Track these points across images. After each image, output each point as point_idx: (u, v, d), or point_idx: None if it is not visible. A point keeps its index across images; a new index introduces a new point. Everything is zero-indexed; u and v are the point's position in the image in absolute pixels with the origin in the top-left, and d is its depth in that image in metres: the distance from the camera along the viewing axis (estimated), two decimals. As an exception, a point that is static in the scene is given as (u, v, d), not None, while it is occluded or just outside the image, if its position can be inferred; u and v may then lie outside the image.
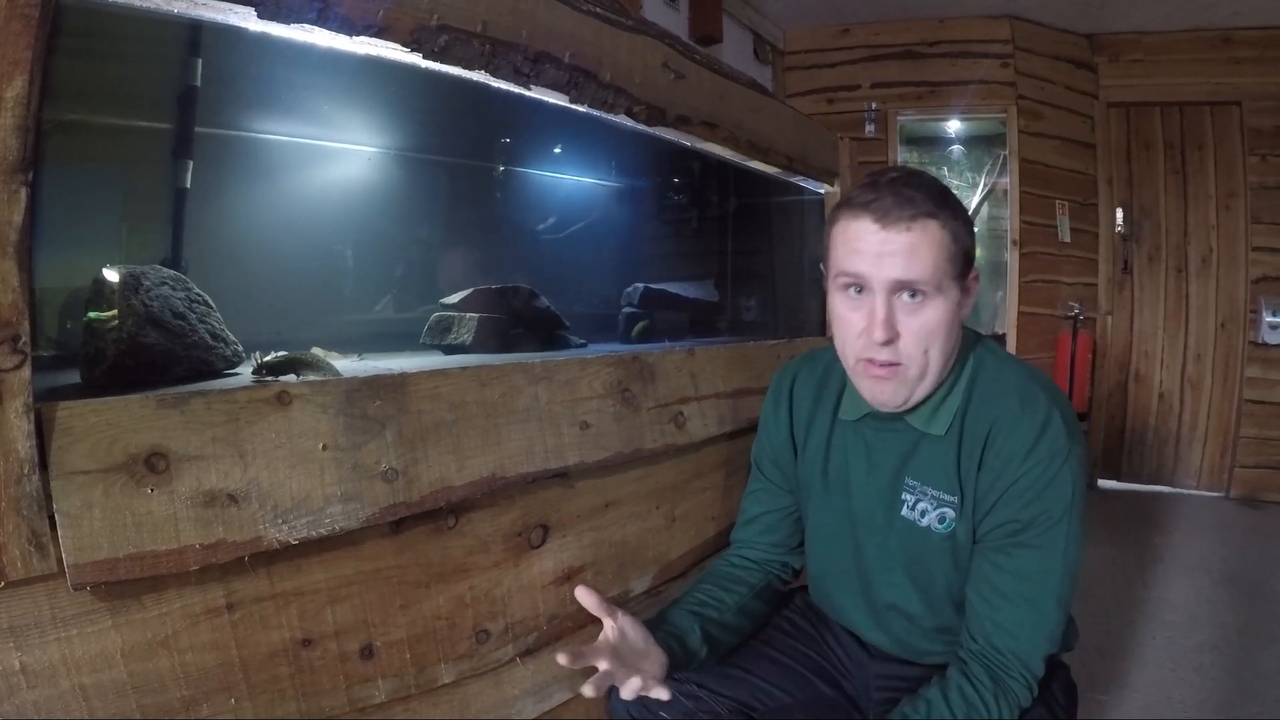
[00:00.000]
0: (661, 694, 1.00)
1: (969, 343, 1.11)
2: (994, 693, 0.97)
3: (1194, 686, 2.10)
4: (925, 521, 1.09)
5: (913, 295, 1.00)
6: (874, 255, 1.00)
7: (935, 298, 1.00)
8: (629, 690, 0.97)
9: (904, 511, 1.11)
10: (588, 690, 0.95)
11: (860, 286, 1.03)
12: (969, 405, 1.07)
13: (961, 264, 1.02)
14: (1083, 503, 1.01)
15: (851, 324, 1.04)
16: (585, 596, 0.99)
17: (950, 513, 1.07)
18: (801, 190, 2.32)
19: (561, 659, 0.92)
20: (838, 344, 1.10)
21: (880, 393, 1.05)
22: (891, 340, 1.01)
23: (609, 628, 0.99)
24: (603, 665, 0.95)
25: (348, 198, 1.71)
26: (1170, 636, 2.42)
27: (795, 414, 1.26)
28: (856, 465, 1.17)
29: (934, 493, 1.08)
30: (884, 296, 1.00)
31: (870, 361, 1.04)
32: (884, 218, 0.99)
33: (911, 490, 1.11)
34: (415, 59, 1.04)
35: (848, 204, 1.05)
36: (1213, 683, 2.12)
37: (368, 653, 0.96)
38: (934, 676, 1.03)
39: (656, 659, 1.03)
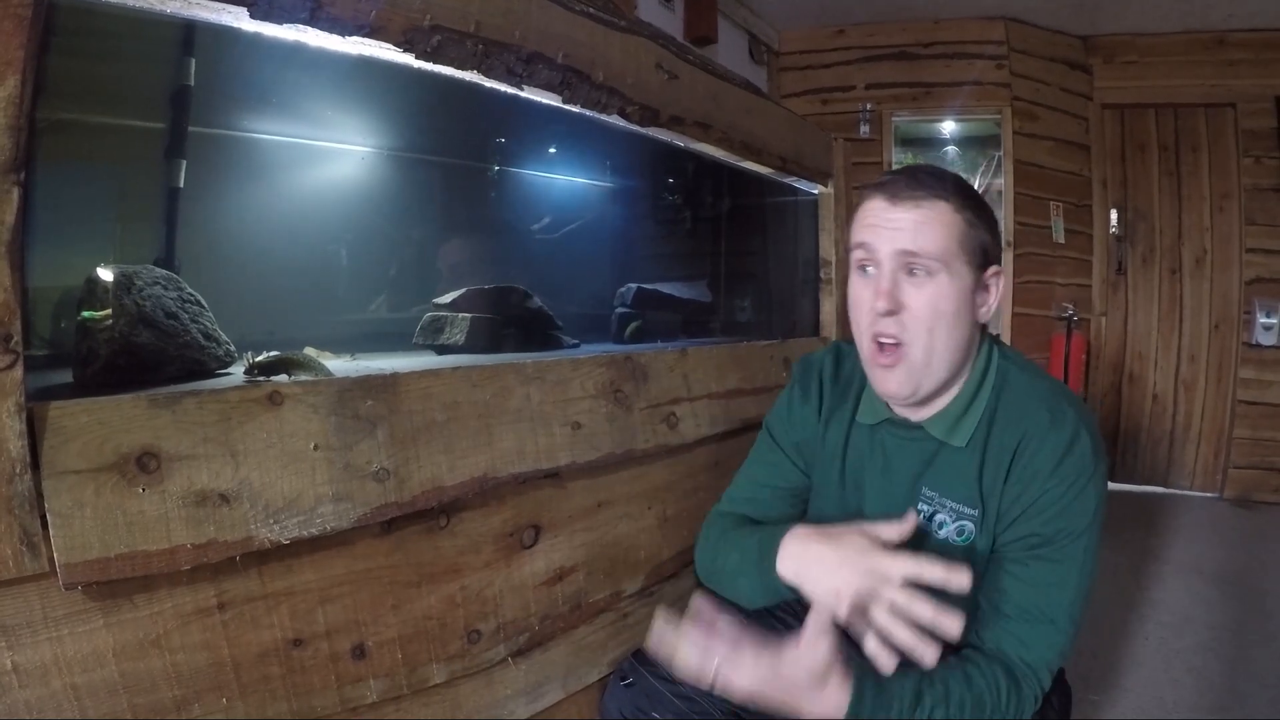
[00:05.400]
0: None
1: (993, 353, 1.11)
2: (1008, 689, 0.95)
3: (1187, 687, 2.11)
4: (943, 534, 1.08)
5: (918, 270, 1.01)
6: (879, 228, 1.03)
7: (942, 276, 1.01)
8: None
9: (919, 521, 1.10)
10: None
11: (871, 264, 1.05)
12: (995, 417, 1.06)
13: (978, 254, 1.03)
14: (1101, 519, 1.00)
15: (862, 302, 1.06)
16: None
17: (970, 525, 1.06)
18: (796, 191, 2.33)
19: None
20: (854, 329, 1.11)
21: (887, 382, 1.06)
22: (893, 311, 1.02)
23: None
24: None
25: (341, 198, 1.71)
26: (1164, 637, 2.43)
27: (823, 406, 1.25)
28: (871, 470, 1.16)
29: (953, 505, 1.07)
30: (890, 267, 1.03)
31: (878, 344, 1.05)
32: (895, 195, 1.03)
33: (929, 501, 1.10)
34: (408, 59, 1.04)
35: (866, 187, 1.09)
36: (1206, 683, 2.13)
37: (359, 652, 0.96)
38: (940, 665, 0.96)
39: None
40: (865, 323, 1.07)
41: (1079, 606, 0.99)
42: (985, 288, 1.06)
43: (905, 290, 1.02)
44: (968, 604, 1.06)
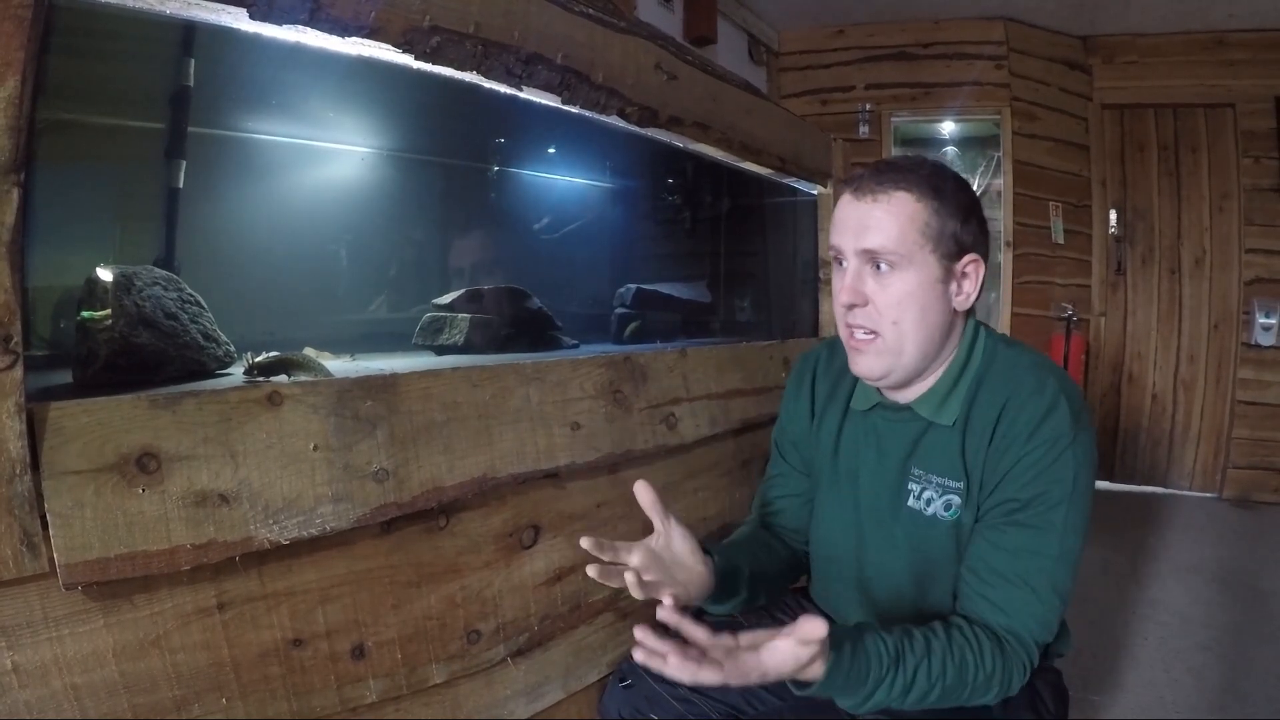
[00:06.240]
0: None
1: (979, 334, 1.11)
2: (991, 651, 0.94)
3: (1187, 687, 2.11)
4: (931, 510, 1.08)
5: (881, 265, 1.04)
6: (845, 225, 1.06)
7: (905, 269, 1.03)
8: (667, 599, 0.88)
9: (910, 501, 1.11)
10: (592, 571, 0.93)
11: (842, 258, 1.08)
12: (979, 392, 1.07)
13: (947, 244, 1.03)
14: (1086, 494, 1.00)
15: (836, 294, 1.09)
16: (643, 492, 1.00)
17: (956, 499, 1.06)
18: (795, 191, 2.33)
19: (591, 562, 0.92)
20: (835, 317, 1.13)
21: (859, 363, 1.09)
22: (855, 305, 1.05)
23: (657, 530, 1.01)
24: (634, 562, 0.95)
25: (341, 198, 1.71)
26: (1163, 637, 2.43)
27: (815, 399, 1.27)
28: (866, 455, 1.17)
29: (939, 480, 1.08)
30: (854, 264, 1.06)
31: (850, 331, 1.08)
32: (858, 190, 1.05)
33: (917, 479, 1.10)
34: (407, 60, 1.04)
35: (842, 181, 1.10)
36: (1206, 683, 2.13)
37: (359, 653, 0.96)
38: (923, 626, 0.97)
39: (700, 579, 1.04)
40: (839, 313, 1.10)
41: (1062, 579, 0.99)
42: (961, 276, 1.06)
43: (869, 285, 1.05)
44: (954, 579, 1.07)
